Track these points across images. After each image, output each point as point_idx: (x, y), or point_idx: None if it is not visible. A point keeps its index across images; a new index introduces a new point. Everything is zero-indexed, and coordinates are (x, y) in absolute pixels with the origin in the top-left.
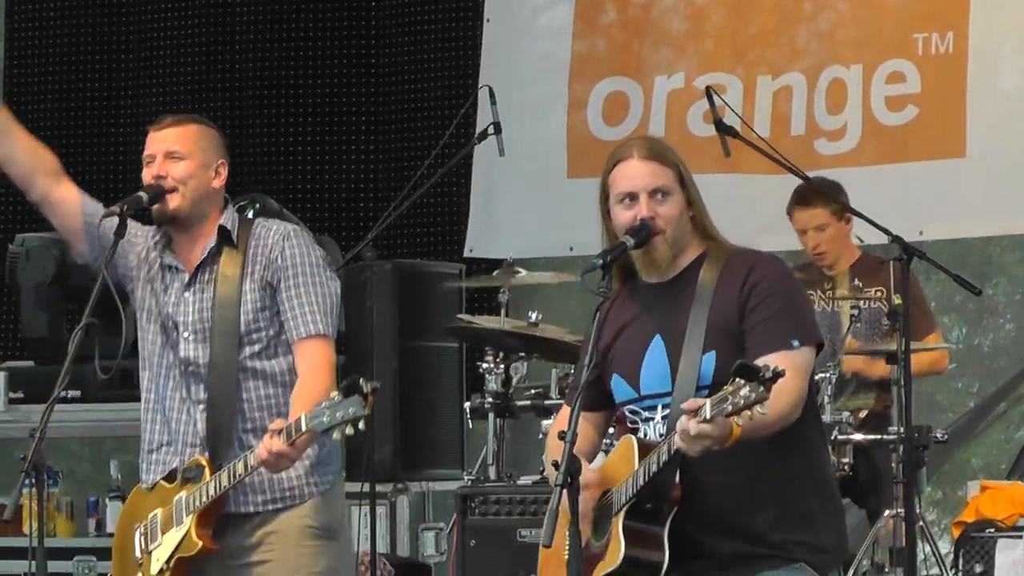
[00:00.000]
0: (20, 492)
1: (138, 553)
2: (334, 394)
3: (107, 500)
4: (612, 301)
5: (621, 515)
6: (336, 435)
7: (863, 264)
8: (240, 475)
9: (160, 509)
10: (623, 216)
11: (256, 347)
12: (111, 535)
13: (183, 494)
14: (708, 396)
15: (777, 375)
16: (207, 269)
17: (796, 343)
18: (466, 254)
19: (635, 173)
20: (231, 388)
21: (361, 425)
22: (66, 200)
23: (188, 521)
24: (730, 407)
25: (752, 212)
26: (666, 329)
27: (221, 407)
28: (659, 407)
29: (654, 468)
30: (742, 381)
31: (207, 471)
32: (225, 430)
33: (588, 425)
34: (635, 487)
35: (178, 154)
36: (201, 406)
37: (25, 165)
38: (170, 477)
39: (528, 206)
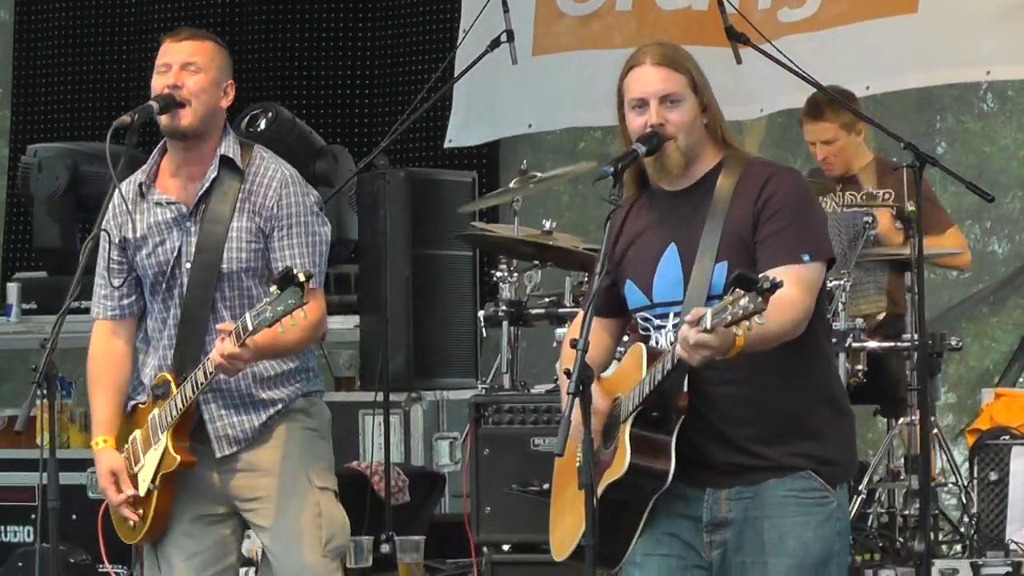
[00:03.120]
0: (32, 403)
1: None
2: (273, 288)
3: None
4: (630, 207)
5: (628, 423)
6: (279, 328)
7: (875, 168)
8: (202, 383)
9: (138, 430)
10: (635, 122)
11: (237, 283)
12: None
13: (155, 411)
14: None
15: (775, 286)
16: (205, 201)
17: (806, 257)
18: (446, 145)
19: (646, 79)
20: (204, 317)
21: (301, 314)
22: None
23: (164, 437)
24: (729, 317)
25: (715, 85)
26: (680, 238)
27: (191, 337)
28: (671, 315)
29: (659, 376)
30: (741, 292)
31: (172, 385)
32: (193, 356)
33: (603, 331)
34: (641, 395)
35: (195, 66)
36: (173, 328)
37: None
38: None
39: (496, 90)
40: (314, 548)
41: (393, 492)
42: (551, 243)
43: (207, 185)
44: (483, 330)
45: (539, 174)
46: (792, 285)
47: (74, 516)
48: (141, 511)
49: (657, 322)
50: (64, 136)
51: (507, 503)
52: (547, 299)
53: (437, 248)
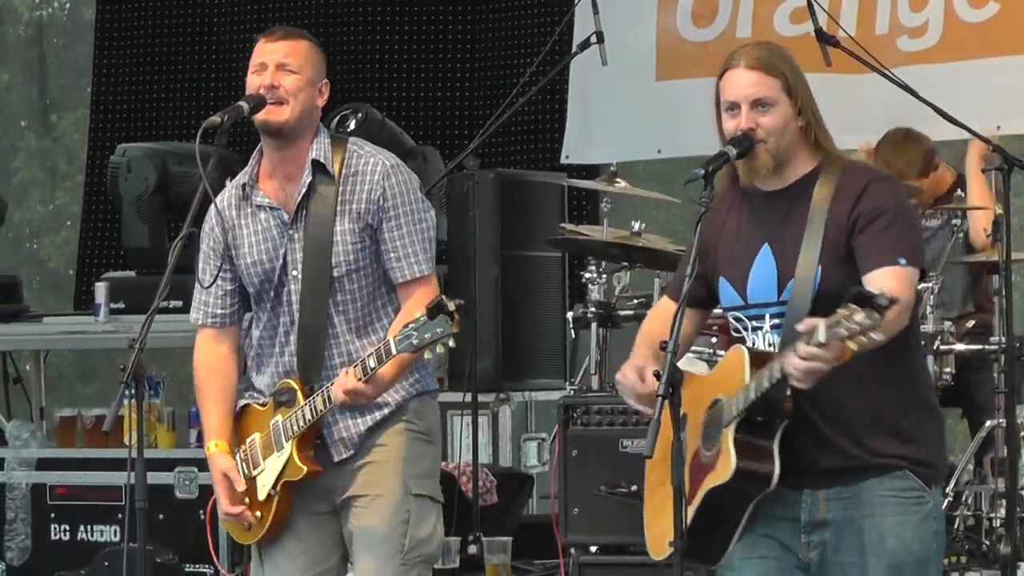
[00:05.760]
0: (120, 403)
1: (242, 479)
2: (420, 315)
3: None
4: (729, 205)
5: (731, 428)
6: (427, 354)
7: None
8: (333, 401)
9: (258, 434)
10: (728, 125)
11: (349, 285)
12: None
13: (278, 418)
14: (813, 310)
15: (893, 302)
16: (304, 206)
17: (903, 261)
18: (562, 160)
19: (738, 83)
20: (321, 323)
21: (451, 343)
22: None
23: (288, 446)
24: (844, 331)
25: (838, 110)
26: (774, 238)
27: (311, 344)
28: (767, 316)
29: (766, 384)
30: (855, 306)
31: (299, 394)
32: (315, 363)
33: (686, 320)
34: (746, 401)
35: (290, 67)
36: (293, 335)
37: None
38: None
39: (619, 110)
40: (391, 555)
41: (481, 493)
42: (640, 244)
43: (304, 191)
44: (572, 331)
45: (622, 181)
46: (893, 281)
47: (160, 516)
48: (259, 514)
49: (753, 323)
50: (143, 136)
51: (595, 504)
52: (636, 300)
53: (526, 249)
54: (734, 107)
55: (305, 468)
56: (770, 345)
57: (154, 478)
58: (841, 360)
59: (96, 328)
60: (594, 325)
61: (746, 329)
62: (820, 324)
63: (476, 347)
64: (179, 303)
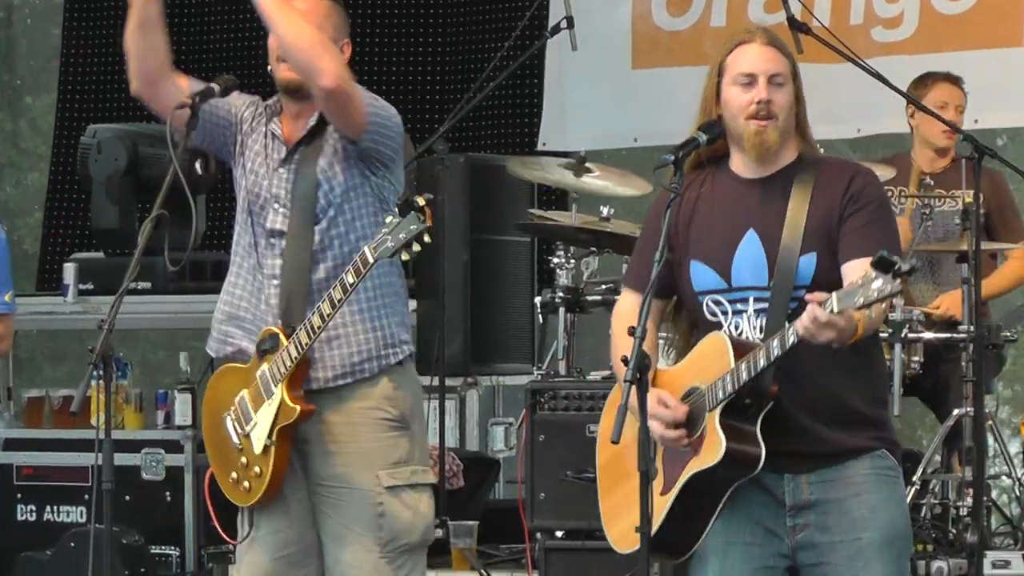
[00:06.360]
0: (88, 384)
1: (236, 440)
2: (390, 218)
3: (176, 392)
4: (699, 188)
5: (717, 412)
6: (404, 255)
7: (954, 167)
8: (319, 327)
9: (245, 390)
10: (740, 97)
11: (334, 229)
12: (180, 428)
13: (264, 367)
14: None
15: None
16: (301, 148)
17: (884, 255)
18: (539, 147)
19: (757, 57)
20: (305, 264)
21: (427, 238)
22: (178, 87)
23: (278, 390)
24: (861, 300)
25: (812, 101)
26: (758, 224)
27: (294, 283)
28: (751, 299)
29: (763, 363)
30: (874, 273)
31: (282, 337)
32: (297, 306)
33: (652, 310)
34: (735, 384)
35: None
36: (275, 281)
37: (159, 59)
38: (240, 357)
39: (595, 98)
40: (367, 548)
41: (447, 477)
42: (608, 230)
43: (303, 134)
44: (540, 316)
45: (593, 168)
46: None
47: (127, 497)
48: (258, 469)
49: (736, 306)
50: (111, 117)
51: (561, 489)
52: (604, 285)
53: (495, 234)
54: (751, 79)
55: (298, 407)
56: (754, 328)
57: (121, 459)
58: (855, 334)
59: (64, 309)
60: (562, 310)
61: (725, 313)
62: (832, 295)
63: (444, 331)
64: (148, 285)
